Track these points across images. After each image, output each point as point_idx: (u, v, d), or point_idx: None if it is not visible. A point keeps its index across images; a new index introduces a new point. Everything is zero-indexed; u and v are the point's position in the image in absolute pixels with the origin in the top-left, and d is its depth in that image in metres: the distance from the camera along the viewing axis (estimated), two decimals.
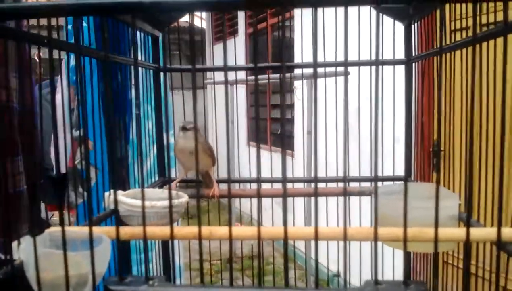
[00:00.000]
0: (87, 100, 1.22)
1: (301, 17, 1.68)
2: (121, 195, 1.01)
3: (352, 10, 1.26)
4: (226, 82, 0.53)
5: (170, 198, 0.58)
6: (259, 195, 0.60)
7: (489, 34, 0.78)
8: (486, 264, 0.90)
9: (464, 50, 1.02)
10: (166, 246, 1.40)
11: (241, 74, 3.76)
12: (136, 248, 1.44)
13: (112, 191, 1.03)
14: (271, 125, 5.20)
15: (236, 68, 1.37)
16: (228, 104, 0.53)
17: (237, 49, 4.85)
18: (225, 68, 0.58)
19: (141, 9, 0.49)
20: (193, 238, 0.76)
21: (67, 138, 1.63)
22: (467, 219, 0.60)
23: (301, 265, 4.03)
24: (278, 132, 4.89)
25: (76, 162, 1.44)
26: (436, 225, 0.58)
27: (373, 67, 1.34)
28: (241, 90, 5.15)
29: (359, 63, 1.26)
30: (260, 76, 3.32)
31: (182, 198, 1.07)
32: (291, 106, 4.43)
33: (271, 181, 1.36)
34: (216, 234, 0.72)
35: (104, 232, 0.78)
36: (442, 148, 1.21)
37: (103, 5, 0.48)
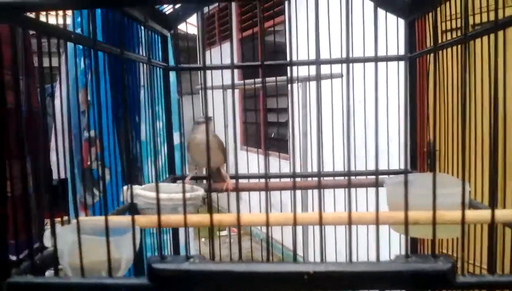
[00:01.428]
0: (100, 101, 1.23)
1: (296, 20, 1.72)
2: (139, 189, 1.03)
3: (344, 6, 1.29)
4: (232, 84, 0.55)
5: (209, 186, 0.60)
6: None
7: (480, 32, 0.82)
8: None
9: (457, 50, 1.06)
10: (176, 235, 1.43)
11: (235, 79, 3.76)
12: (149, 232, 1.47)
13: (129, 185, 1.05)
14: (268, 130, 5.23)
15: (241, 66, 1.40)
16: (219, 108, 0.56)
17: (229, 54, 4.88)
18: (232, 66, 0.60)
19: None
20: (205, 225, 0.79)
21: (72, 143, 1.65)
22: (491, 201, 0.63)
23: None
24: (272, 136, 4.92)
25: (89, 163, 1.45)
26: (463, 208, 0.60)
27: (370, 67, 1.37)
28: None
29: (363, 60, 1.30)
30: (253, 80, 3.35)
31: (198, 191, 1.10)
32: (285, 110, 4.47)
33: (280, 176, 1.39)
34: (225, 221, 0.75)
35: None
36: (437, 146, 1.25)
37: None
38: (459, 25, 1.14)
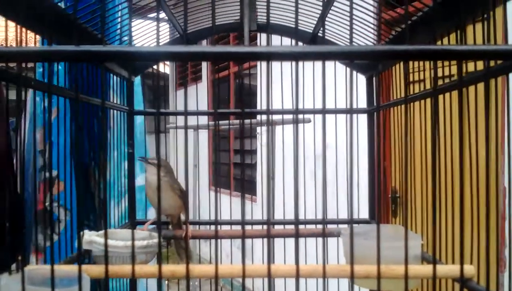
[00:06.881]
0: (58, 142, 1.22)
1: (269, 64, 1.77)
2: (95, 235, 1.01)
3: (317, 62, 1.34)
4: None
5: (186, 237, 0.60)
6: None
7: (446, 87, 0.87)
8: None
9: (422, 102, 1.11)
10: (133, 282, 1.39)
11: (203, 120, 3.80)
12: None
13: (85, 231, 1.03)
14: (234, 171, 5.23)
15: (223, 112, 1.44)
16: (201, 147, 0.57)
17: (201, 95, 4.94)
18: (216, 112, 0.62)
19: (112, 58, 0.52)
20: (173, 276, 0.78)
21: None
22: (433, 256, 0.65)
23: None
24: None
25: (46, 204, 1.42)
26: (406, 261, 0.63)
27: (338, 115, 1.43)
28: (203, 135, 5.19)
29: (335, 111, 1.35)
30: (222, 122, 3.38)
31: (155, 238, 1.08)
32: (253, 151, 4.50)
33: (252, 223, 1.39)
34: (195, 271, 0.74)
35: (83, 270, 0.79)
36: (401, 194, 1.29)
37: (72, 53, 0.51)
38: (422, 77, 1.20)
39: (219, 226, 1.46)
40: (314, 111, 1.39)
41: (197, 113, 1.42)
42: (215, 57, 0.56)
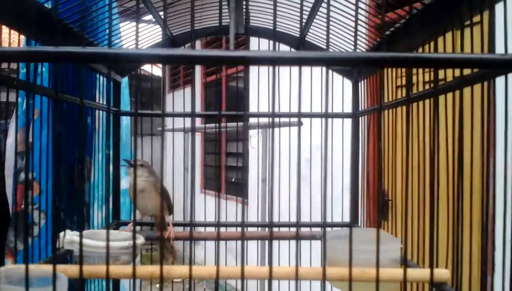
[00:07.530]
0: (37, 143, 1.21)
1: (258, 68, 1.77)
2: (76, 235, 1.02)
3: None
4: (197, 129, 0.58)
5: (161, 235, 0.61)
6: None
7: (421, 95, 0.88)
8: None
9: (404, 107, 1.13)
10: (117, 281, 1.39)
11: (196, 122, 3.81)
12: None
13: (67, 231, 1.03)
14: (227, 174, 5.24)
15: (201, 115, 1.44)
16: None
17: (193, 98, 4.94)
18: (194, 114, 0.63)
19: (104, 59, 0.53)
20: (151, 277, 0.78)
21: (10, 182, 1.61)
22: (404, 259, 0.66)
23: None
24: (233, 180, 4.94)
25: (22, 206, 1.40)
26: (377, 265, 0.64)
27: (324, 119, 1.43)
28: (196, 138, 5.19)
29: (310, 115, 1.36)
30: (213, 125, 3.39)
31: (138, 239, 1.09)
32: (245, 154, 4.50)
33: (235, 225, 1.39)
34: (173, 273, 0.75)
35: (61, 270, 0.79)
36: (390, 198, 1.30)
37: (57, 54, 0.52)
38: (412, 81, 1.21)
39: (209, 228, 1.46)
40: (290, 115, 1.40)
41: (175, 115, 1.42)
42: (194, 61, 0.57)
